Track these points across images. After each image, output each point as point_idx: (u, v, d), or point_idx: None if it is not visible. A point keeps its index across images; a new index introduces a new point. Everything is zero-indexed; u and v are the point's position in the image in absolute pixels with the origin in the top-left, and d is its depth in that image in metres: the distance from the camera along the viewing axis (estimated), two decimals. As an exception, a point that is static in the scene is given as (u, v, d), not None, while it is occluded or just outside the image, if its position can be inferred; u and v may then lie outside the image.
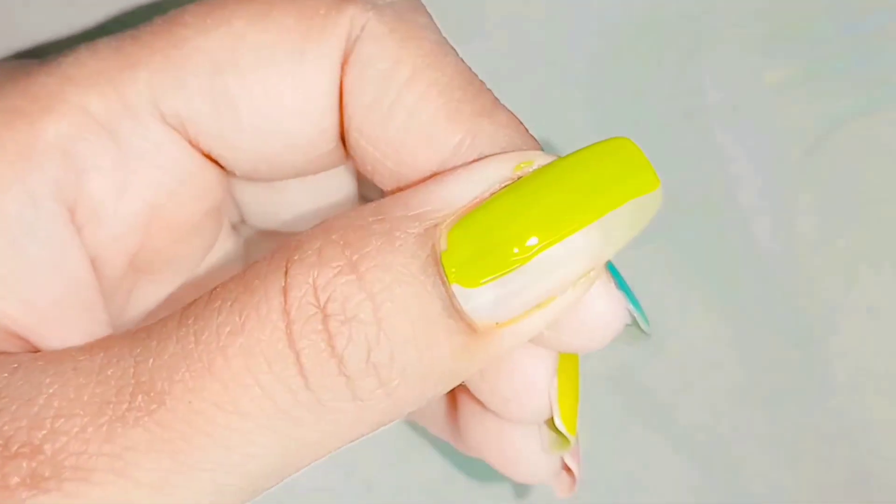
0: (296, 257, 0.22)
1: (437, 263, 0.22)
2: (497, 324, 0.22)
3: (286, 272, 0.22)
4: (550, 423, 0.26)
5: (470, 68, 0.25)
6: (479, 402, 0.27)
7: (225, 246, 0.29)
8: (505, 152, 0.23)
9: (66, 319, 0.25)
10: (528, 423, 0.27)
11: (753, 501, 0.34)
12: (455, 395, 0.29)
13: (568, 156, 0.23)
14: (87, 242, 0.26)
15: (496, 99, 0.25)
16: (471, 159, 0.23)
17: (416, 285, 0.22)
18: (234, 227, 0.30)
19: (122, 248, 0.26)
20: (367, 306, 0.22)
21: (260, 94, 0.25)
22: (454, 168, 0.23)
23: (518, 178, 0.23)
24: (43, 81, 0.25)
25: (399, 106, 0.24)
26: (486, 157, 0.23)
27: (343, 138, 0.26)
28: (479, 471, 0.34)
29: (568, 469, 0.28)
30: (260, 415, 0.22)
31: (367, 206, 0.23)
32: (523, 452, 0.27)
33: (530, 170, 0.23)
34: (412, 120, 0.24)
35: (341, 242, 0.22)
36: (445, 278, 0.22)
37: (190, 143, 0.26)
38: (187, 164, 0.26)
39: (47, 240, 0.25)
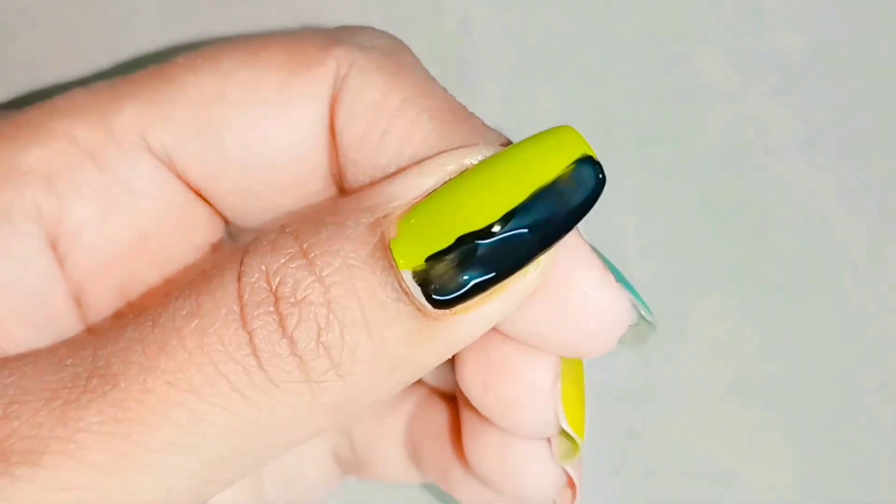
0: (250, 249, 0.23)
1: (385, 249, 0.22)
2: (451, 311, 0.22)
3: (241, 261, 0.23)
4: (560, 430, 0.26)
5: (456, 99, 0.26)
6: (483, 418, 0.26)
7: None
8: (455, 148, 0.24)
9: (29, 337, 0.26)
10: (533, 433, 0.26)
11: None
12: (459, 417, 0.28)
13: (511, 146, 0.23)
14: (72, 268, 0.27)
15: (485, 123, 0.25)
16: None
17: (365, 269, 0.22)
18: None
19: (107, 276, 0.27)
20: (317, 288, 0.22)
21: (246, 128, 0.26)
22: (409, 165, 0.24)
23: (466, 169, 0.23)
24: (31, 113, 0.27)
25: (391, 134, 0.25)
26: (437, 153, 0.24)
27: (335, 179, 0.27)
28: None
29: (571, 484, 0.27)
30: (214, 393, 0.22)
31: (322, 203, 0.24)
32: (528, 468, 0.27)
33: (477, 161, 0.23)
34: (405, 145, 0.24)
35: (294, 234, 0.23)
36: (395, 263, 0.22)
37: (178, 176, 0.27)
38: (175, 196, 0.27)
39: (20, 257, 0.26)
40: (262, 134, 0.26)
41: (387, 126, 0.25)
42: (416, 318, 0.22)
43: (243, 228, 0.28)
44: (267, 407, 0.22)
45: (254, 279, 0.22)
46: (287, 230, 0.23)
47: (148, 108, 0.26)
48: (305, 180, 0.27)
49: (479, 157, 0.23)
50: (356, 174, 0.25)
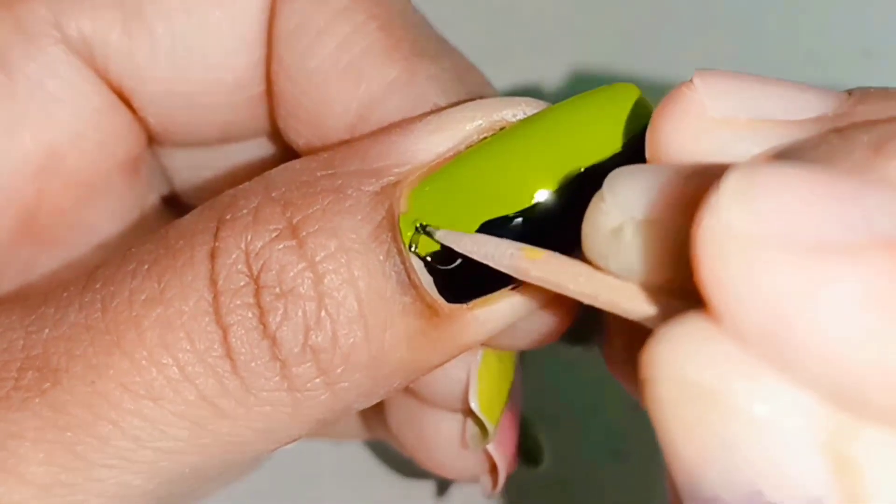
0: (228, 216, 0.19)
1: (393, 229, 0.19)
2: (467, 306, 0.19)
3: (216, 233, 0.19)
4: (470, 411, 0.23)
5: (423, 15, 0.22)
6: None
7: (151, 224, 0.25)
8: (485, 98, 0.20)
9: None
10: (443, 402, 0.23)
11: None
12: None
13: (560, 103, 0.19)
14: None
15: (450, 45, 0.22)
16: (408, 102, 0.20)
17: (366, 253, 0.18)
18: (166, 202, 0.26)
19: (12, 201, 0.22)
20: (307, 277, 0.18)
21: (179, 12, 0.22)
22: (423, 115, 0.20)
23: (500, 130, 0.19)
24: None
25: (329, 34, 0.21)
26: (463, 102, 0.20)
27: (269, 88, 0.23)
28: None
29: (494, 469, 0.24)
30: (177, 401, 0.18)
31: (317, 156, 0.20)
32: (441, 441, 0.24)
33: (515, 119, 0.19)
34: (342, 51, 0.21)
35: (282, 201, 0.19)
36: (403, 247, 0.18)
37: (98, 74, 0.23)
38: (94, 101, 0.23)
39: None
40: (196, 19, 0.22)
41: (325, 25, 0.21)
42: (423, 316, 0.19)
43: (165, 146, 0.24)
44: (239, 418, 0.19)
45: (231, 260, 0.18)
46: (273, 195, 0.19)
47: None
48: (240, 83, 0.22)
49: (517, 115, 0.19)
50: (283, 80, 0.21)
